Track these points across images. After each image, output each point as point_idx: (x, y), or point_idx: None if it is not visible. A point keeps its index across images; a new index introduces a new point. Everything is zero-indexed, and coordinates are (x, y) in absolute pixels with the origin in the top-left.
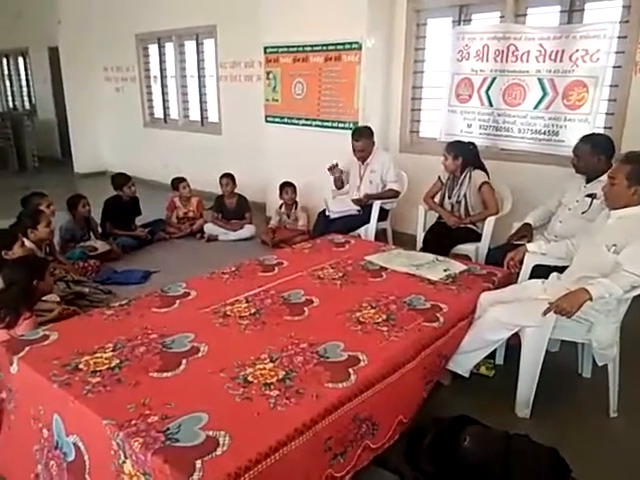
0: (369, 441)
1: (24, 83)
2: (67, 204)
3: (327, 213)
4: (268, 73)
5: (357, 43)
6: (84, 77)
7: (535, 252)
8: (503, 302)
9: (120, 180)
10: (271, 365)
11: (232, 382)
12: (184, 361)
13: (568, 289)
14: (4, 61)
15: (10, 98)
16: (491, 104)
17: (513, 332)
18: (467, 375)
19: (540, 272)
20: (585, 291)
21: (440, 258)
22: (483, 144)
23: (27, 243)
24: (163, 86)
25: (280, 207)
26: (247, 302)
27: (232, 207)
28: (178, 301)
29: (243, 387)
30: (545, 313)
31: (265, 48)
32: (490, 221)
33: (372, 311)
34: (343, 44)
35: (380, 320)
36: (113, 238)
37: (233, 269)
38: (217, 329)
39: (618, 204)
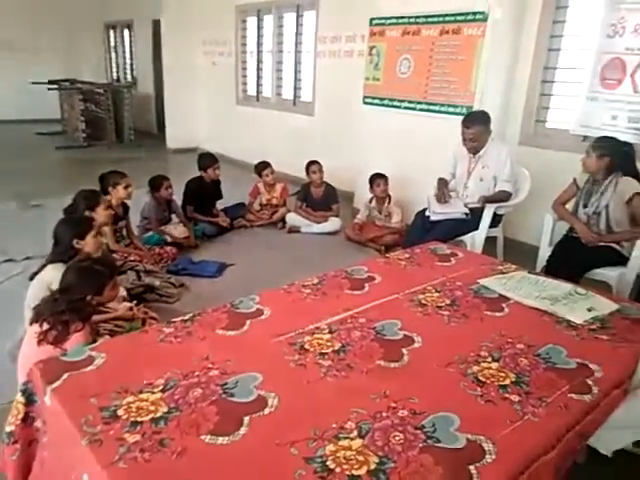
0: None
1: (128, 56)
2: (149, 185)
3: (427, 214)
4: (371, 48)
5: (482, 14)
6: (183, 50)
7: None
8: None
9: (207, 161)
10: (359, 443)
11: (307, 466)
12: (246, 420)
13: None
14: (111, 33)
15: (115, 70)
16: None
17: None
18: (610, 455)
19: None
20: None
21: (580, 290)
22: (633, 142)
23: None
24: (258, 62)
25: (370, 201)
26: (330, 332)
27: (319, 197)
28: (249, 322)
29: (321, 477)
30: None
31: (371, 20)
32: None
33: (495, 365)
34: (465, 14)
35: (508, 382)
36: (194, 223)
37: (315, 281)
38: (291, 371)
39: None
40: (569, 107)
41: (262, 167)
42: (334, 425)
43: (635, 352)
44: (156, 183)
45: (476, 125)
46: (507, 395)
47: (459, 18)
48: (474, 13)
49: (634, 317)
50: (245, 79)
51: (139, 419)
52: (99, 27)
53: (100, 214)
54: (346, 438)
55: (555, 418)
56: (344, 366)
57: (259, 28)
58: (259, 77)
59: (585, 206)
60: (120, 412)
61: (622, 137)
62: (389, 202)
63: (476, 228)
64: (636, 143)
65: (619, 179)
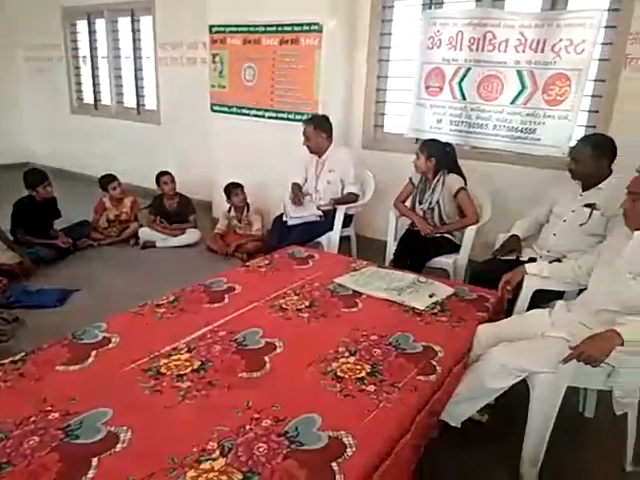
0: None
1: None
2: None
3: (285, 219)
4: (214, 56)
5: (317, 25)
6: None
7: (536, 275)
8: (505, 339)
9: (33, 179)
10: (222, 462)
11: None
12: (94, 462)
13: (583, 324)
14: None
15: None
16: (464, 97)
17: (520, 378)
18: (459, 425)
19: (536, 297)
20: (615, 334)
21: (422, 279)
22: (454, 142)
23: None
24: (94, 68)
25: (228, 210)
26: (189, 351)
27: (173, 209)
28: (94, 353)
29: None
30: (566, 360)
31: (211, 27)
32: (471, 231)
33: (352, 359)
34: (301, 25)
35: (364, 374)
36: (27, 247)
37: (171, 299)
38: (145, 399)
39: None
40: (402, 113)
41: (107, 180)
42: (195, 449)
43: (470, 330)
44: None
45: (308, 124)
46: (364, 387)
47: (296, 29)
48: (309, 24)
49: (468, 298)
50: (80, 86)
51: None
52: None
53: None
54: (208, 460)
55: (407, 401)
56: (205, 384)
57: (91, 32)
58: (96, 84)
59: (420, 202)
60: None
61: (447, 138)
62: (248, 210)
63: (331, 229)
64: (459, 143)
65: (445, 176)
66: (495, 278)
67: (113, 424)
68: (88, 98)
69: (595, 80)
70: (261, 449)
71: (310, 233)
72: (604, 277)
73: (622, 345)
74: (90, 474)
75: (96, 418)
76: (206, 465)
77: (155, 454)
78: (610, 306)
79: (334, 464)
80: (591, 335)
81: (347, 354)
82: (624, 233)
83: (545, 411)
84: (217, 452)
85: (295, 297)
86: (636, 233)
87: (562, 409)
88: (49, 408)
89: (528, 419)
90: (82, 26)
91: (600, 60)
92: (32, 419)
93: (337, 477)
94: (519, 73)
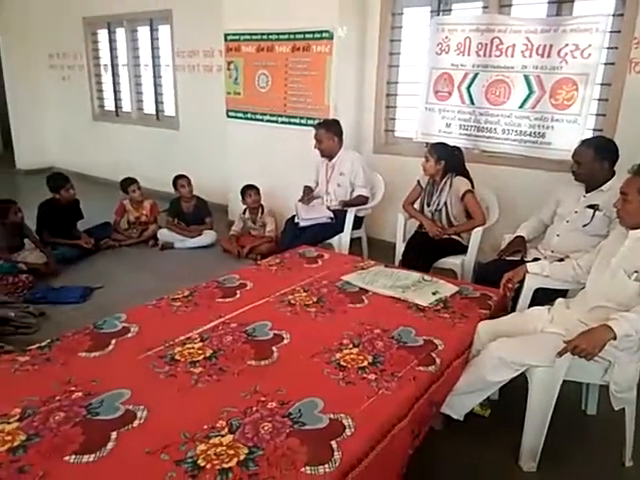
0: None
1: None
2: None
3: (296, 220)
4: (229, 63)
5: (328, 32)
6: (27, 64)
7: (537, 274)
8: (505, 335)
9: (57, 182)
10: (230, 438)
11: (177, 468)
12: (113, 435)
13: (580, 320)
14: None
15: None
16: (472, 102)
17: (519, 372)
18: (462, 419)
19: (539, 295)
20: (608, 328)
21: (427, 278)
22: (463, 146)
23: None
24: (114, 76)
25: (244, 212)
26: (202, 340)
27: (190, 211)
28: (114, 341)
29: (191, 476)
30: (561, 354)
31: (226, 35)
32: (477, 232)
33: (355, 350)
34: (312, 33)
35: (366, 364)
36: (52, 247)
37: (186, 294)
38: (161, 382)
39: (634, 222)
40: (412, 117)
41: (128, 183)
42: (205, 426)
43: (471, 326)
44: (1, 209)
45: (320, 128)
46: (365, 375)
47: (308, 36)
48: (320, 32)
49: (471, 296)
50: (101, 94)
51: None
52: None
53: None
54: (217, 436)
55: (405, 390)
56: (216, 370)
57: (111, 41)
58: (117, 92)
59: (428, 204)
60: None
61: (456, 142)
62: (262, 212)
63: (342, 230)
64: (468, 147)
65: (453, 179)
66: (499, 278)
67: (131, 403)
68: (109, 105)
69: (601, 84)
70: (266, 428)
71: (321, 234)
72: (601, 275)
73: (615, 339)
74: (109, 446)
75: (115, 398)
76: (215, 440)
77: (169, 430)
78: (605, 303)
79: (333, 442)
80: (585, 330)
81: (351, 346)
82: (621, 232)
83: (543, 404)
84: (226, 429)
85: (304, 293)
86: (631, 232)
87: (564, 406)
88: (73, 388)
89: (527, 412)
90: (103, 35)
91: (606, 64)
92: (57, 398)
93: (335, 454)
94: (526, 78)
